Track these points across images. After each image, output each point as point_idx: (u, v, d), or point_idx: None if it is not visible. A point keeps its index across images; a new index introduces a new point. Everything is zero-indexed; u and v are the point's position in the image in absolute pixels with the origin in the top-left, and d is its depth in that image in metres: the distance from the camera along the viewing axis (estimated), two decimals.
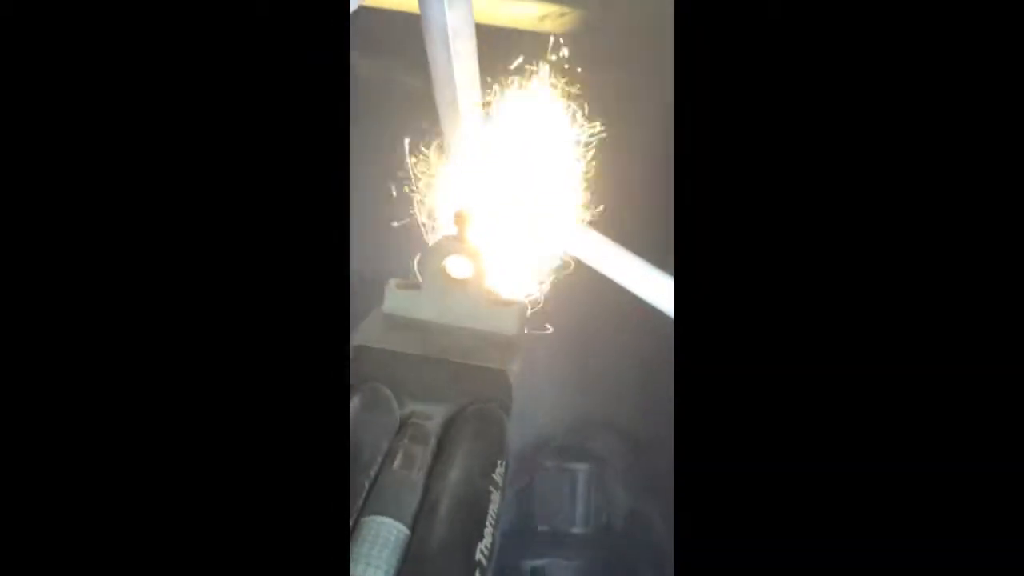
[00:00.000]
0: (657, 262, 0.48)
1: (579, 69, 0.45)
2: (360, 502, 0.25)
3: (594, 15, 0.70)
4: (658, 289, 0.46)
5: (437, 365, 0.31)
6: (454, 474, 0.27)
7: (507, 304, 0.34)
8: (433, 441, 0.29)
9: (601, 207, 0.46)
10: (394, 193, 0.45)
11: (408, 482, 0.27)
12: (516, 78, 0.45)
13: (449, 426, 0.30)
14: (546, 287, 0.44)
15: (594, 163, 0.45)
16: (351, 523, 0.24)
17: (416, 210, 0.45)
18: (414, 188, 0.45)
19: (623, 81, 0.50)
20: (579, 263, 0.47)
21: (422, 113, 0.46)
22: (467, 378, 0.31)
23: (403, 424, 0.30)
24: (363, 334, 0.32)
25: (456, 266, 0.34)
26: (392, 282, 0.35)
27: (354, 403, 0.29)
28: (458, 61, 0.42)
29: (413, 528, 0.25)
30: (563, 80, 0.45)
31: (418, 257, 0.35)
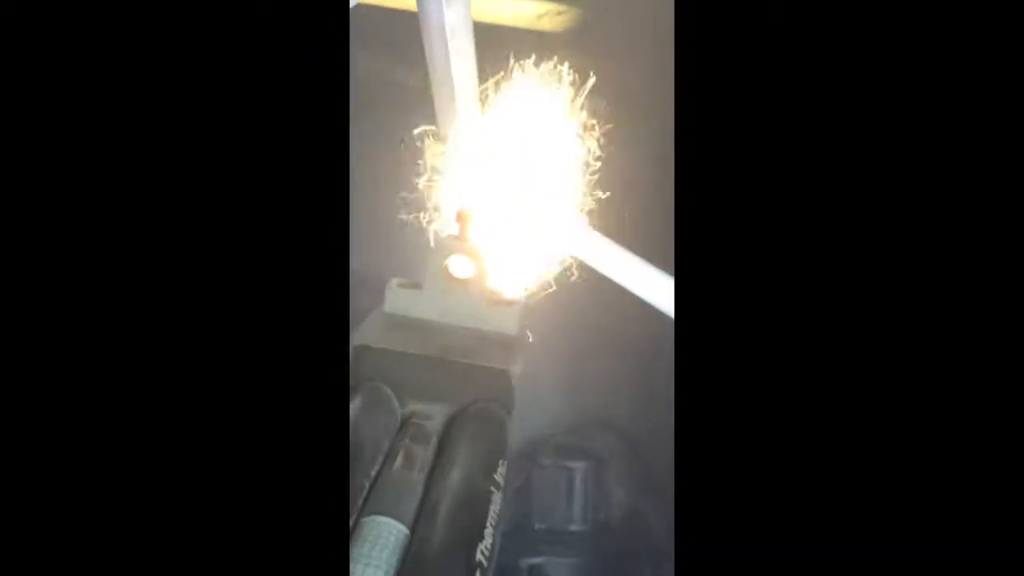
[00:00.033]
0: (658, 261, 0.48)
1: (578, 68, 0.45)
2: (360, 502, 0.25)
3: (592, 13, 0.69)
4: (658, 289, 0.46)
5: (438, 365, 0.31)
6: (455, 474, 0.27)
7: (509, 304, 0.34)
8: (434, 441, 0.29)
9: (602, 199, 0.46)
10: (403, 196, 0.45)
11: (409, 482, 0.27)
12: (516, 76, 0.45)
13: (450, 426, 0.30)
14: (548, 289, 0.44)
15: (596, 162, 0.45)
16: (351, 523, 0.24)
17: (418, 209, 0.45)
18: (416, 187, 0.45)
19: (622, 80, 0.50)
20: (579, 263, 0.47)
21: (423, 111, 0.46)
22: (468, 378, 0.31)
23: (404, 424, 0.30)
24: (364, 334, 0.32)
25: (458, 266, 0.34)
26: (393, 282, 0.35)
27: (355, 403, 0.29)
28: (456, 59, 0.42)
29: (413, 528, 0.25)
30: (563, 79, 0.45)
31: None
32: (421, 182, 0.45)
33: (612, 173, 0.46)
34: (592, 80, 0.45)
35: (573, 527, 0.77)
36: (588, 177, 0.46)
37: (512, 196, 0.44)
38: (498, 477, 0.27)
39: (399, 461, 0.27)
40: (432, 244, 0.35)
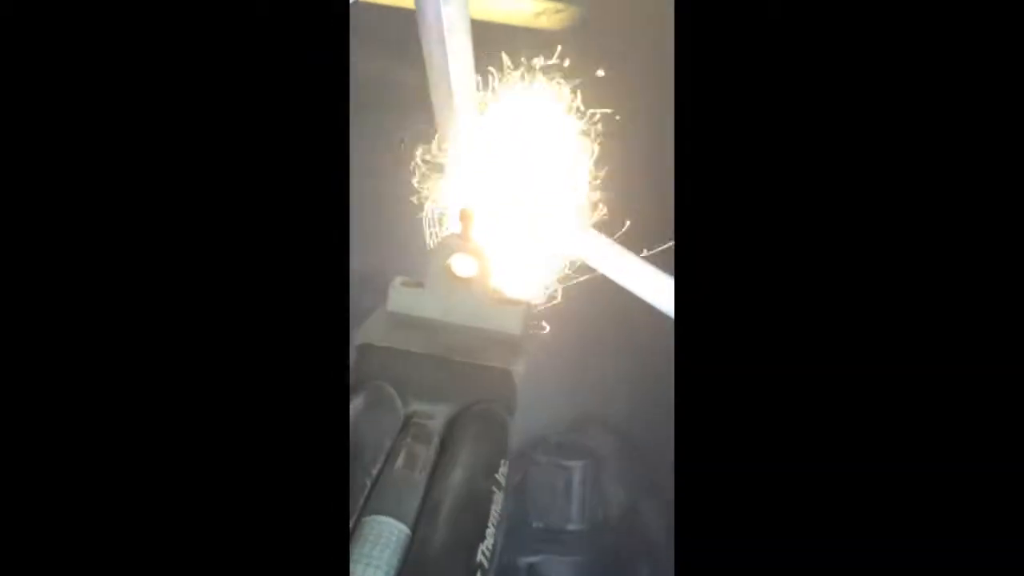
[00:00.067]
0: (658, 261, 0.47)
1: (578, 66, 0.45)
2: (362, 501, 0.25)
3: (591, 11, 0.69)
4: (658, 289, 0.46)
5: (441, 364, 0.31)
6: (456, 474, 0.27)
7: (512, 303, 0.34)
8: (436, 441, 0.29)
9: (602, 199, 0.46)
10: (414, 200, 0.45)
11: (410, 482, 0.26)
12: (516, 74, 0.45)
13: (452, 426, 0.30)
14: (552, 290, 0.44)
15: (599, 161, 0.45)
16: (352, 522, 0.24)
17: (423, 208, 0.44)
18: (420, 186, 0.45)
19: (622, 78, 0.50)
20: (579, 263, 0.47)
21: (424, 110, 0.46)
22: (471, 377, 0.31)
23: (406, 423, 0.30)
24: (368, 332, 0.32)
25: (461, 265, 0.34)
26: (397, 280, 0.34)
27: (357, 402, 0.29)
28: (454, 57, 0.42)
29: (414, 528, 0.25)
30: (562, 77, 0.45)
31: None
32: (419, 182, 0.45)
33: (611, 172, 0.46)
34: (591, 79, 0.45)
35: (571, 526, 0.77)
36: (588, 176, 0.46)
37: (512, 195, 0.43)
38: (500, 477, 0.27)
39: (401, 461, 0.27)
40: (434, 243, 0.35)
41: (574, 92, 0.45)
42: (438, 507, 0.25)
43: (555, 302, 0.46)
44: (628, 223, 0.48)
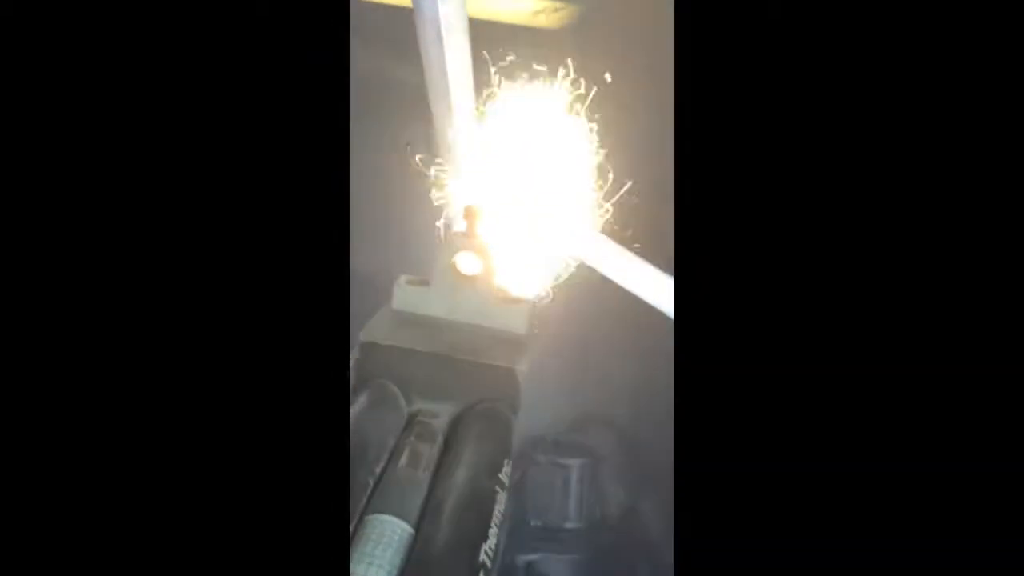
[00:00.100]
0: (658, 261, 0.47)
1: (576, 65, 0.45)
2: (365, 500, 0.25)
3: (590, 10, 0.69)
4: (659, 290, 0.46)
5: (445, 363, 0.31)
6: (460, 474, 0.26)
7: (516, 302, 0.34)
8: (440, 439, 0.29)
9: (601, 199, 0.46)
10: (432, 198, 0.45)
11: (414, 481, 0.26)
12: (516, 74, 0.44)
13: (456, 424, 0.30)
14: (554, 289, 0.44)
15: (602, 161, 0.45)
16: (355, 521, 0.24)
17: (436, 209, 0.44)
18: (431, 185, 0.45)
19: (621, 77, 0.49)
20: (581, 263, 0.47)
21: (425, 109, 0.46)
22: (475, 376, 0.31)
23: (410, 422, 0.30)
24: (372, 330, 0.32)
25: (466, 263, 0.34)
26: (402, 278, 0.34)
27: (361, 400, 0.29)
28: (451, 56, 0.42)
29: (417, 527, 0.25)
30: (564, 77, 0.45)
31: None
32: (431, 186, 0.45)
33: (610, 171, 0.46)
34: (591, 79, 0.45)
35: (569, 524, 0.77)
36: (589, 176, 0.46)
37: (512, 195, 0.43)
38: (503, 477, 0.27)
39: (404, 459, 0.27)
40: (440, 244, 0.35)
41: (575, 89, 0.45)
42: (441, 506, 0.25)
43: (547, 301, 0.46)
44: (626, 222, 0.48)
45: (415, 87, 0.45)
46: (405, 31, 0.44)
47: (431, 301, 0.34)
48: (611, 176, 0.46)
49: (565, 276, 0.45)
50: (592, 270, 0.47)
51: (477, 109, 0.44)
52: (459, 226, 0.35)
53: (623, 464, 0.81)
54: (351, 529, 0.24)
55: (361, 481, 0.25)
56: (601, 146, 0.45)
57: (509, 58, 0.45)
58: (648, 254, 0.47)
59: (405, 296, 0.34)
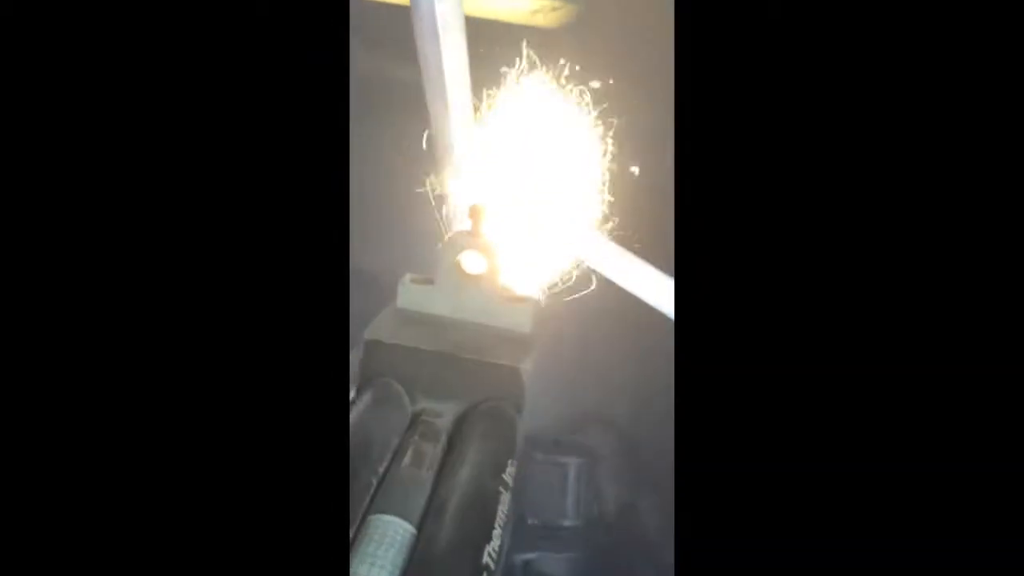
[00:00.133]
0: (658, 261, 0.47)
1: (574, 65, 0.45)
2: (368, 500, 0.25)
3: (588, 8, 0.68)
4: (660, 292, 0.46)
5: (450, 361, 0.31)
6: (464, 473, 0.26)
7: (521, 301, 0.34)
8: (444, 439, 0.29)
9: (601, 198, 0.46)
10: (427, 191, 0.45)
11: (417, 480, 0.26)
12: (517, 74, 0.44)
13: (460, 424, 0.29)
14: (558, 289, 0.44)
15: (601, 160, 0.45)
16: (358, 521, 0.24)
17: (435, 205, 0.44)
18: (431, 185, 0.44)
19: (619, 77, 0.49)
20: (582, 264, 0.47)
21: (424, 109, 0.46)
22: (480, 375, 0.30)
23: (414, 421, 0.29)
24: (376, 329, 0.32)
25: (470, 261, 0.34)
26: (406, 277, 0.34)
27: (365, 398, 0.29)
28: (448, 54, 0.42)
29: (420, 528, 0.24)
30: (562, 77, 0.44)
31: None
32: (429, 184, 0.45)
33: (609, 171, 0.46)
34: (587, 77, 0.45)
35: (566, 522, 0.77)
36: (588, 177, 0.45)
37: (512, 194, 0.43)
38: (507, 477, 0.27)
39: (408, 459, 0.27)
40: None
41: (573, 88, 0.45)
42: (444, 506, 0.25)
43: (556, 293, 0.46)
44: (626, 222, 0.48)
45: (418, 86, 0.45)
46: (406, 28, 0.44)
47: (435, 300, 0.34)
48: (610, 176, 0.46)
49: (572, 276, 0.45)
50: (593, 271, 0.47)
51: (476, 109, 0.44)
52: (464, 225, 0.35)
53: (621, 463, 0.81)
54: (354, 529, 0.24)
55: (364, 480, 0.25)
56: (600, 145, 0.45)
57: (508, 58, 0.45)
58: (648, 255, 0.47)
59: (409, 295, 0.34)
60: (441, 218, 0.45)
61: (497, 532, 0.24)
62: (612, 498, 0.80)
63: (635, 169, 0.47)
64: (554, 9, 0.65)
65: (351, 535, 0.24)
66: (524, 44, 0.45)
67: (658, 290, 0.45)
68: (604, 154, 0.45)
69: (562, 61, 0.45)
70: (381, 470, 0.26)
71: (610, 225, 0.47)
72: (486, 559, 0.23)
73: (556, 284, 0.45)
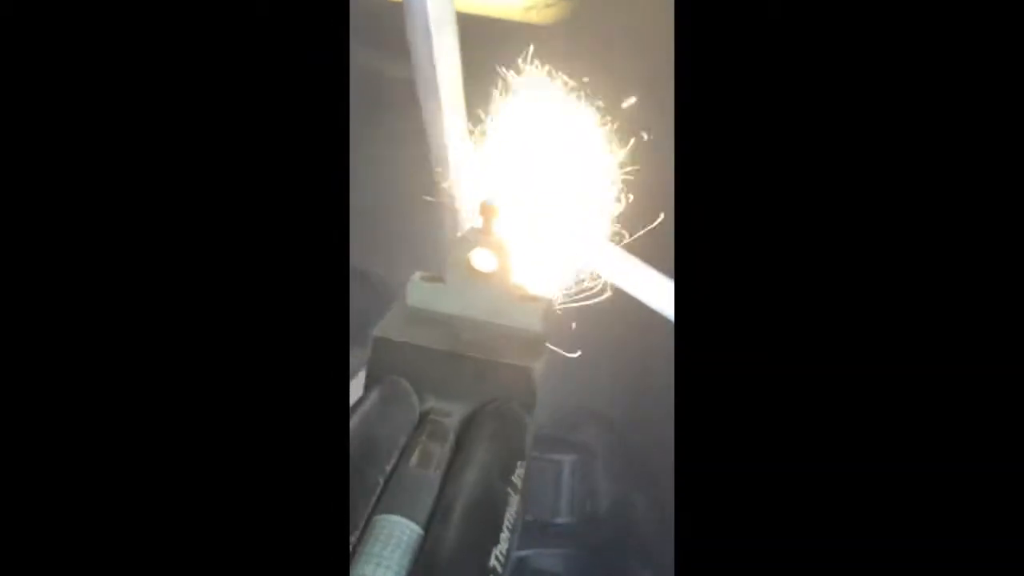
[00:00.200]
0: (657, 262, 0.47)
1: (570, 64, 0.44)
2: (374, 499, 0.25)
3: (583, 6, 0.68)
4: (661, 294, 0.46)
5: (459, 360, 0.30)
6: (472, 474, 0.26)
7: (533, 300, 0.33)
8: (452, 439, 0.28)
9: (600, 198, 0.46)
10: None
11: (424, 481, 0.26)
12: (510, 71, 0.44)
13: (469, 424, 0.29)
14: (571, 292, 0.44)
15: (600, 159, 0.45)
16: (364, 521, 0.24)
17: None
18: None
19: (617, 77, 0.49)
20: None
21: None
22: (490, 375, 0.30)
23: (422, 420, 0.29)
24: (385, 326, 0.31)
25: (481, 259, 0.33)
26: (416, 275, 0.34)
27: (372, 396, 0.29)
28: (440, 52, 0.41)
29: (427, 529, 0.24)
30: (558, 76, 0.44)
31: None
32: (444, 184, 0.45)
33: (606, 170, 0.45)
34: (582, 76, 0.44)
35: (560, 519, 0.77)
36: (612, 177, 0.45)
37: (515, 192, 0.43)
38: (516, 479, 0.26)
39: (415, 459, 0.27)
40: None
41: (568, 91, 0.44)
42: (451, 507, 0.25)
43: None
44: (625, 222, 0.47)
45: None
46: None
47: (445, 298, 0.33)
48: (607, 177, 0.46)
49: (586, 278, 0.45)
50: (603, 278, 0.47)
51: (478, 108, 0.44)
52: (475, 222, 0.35)
53: (617, 461, 0.81)
54: (360, 529, 0.24)
55: (371, 480, 0.25)
56: (597, 144, 0.45)
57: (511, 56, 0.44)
58: (648, 256, 0.46)
59: (419, 292, 0.33)
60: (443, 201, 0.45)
61: (505, 535, 0.24)
62: (607, 496, 0.80)
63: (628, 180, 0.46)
64: (548, 6, 0.64)
65: (357, 535, 0.23)
66: (531, 47, 0.45)
67: (660, 294, 0.45)
68: (618, 156, 0.45)
69: (561, 60, 0.45)
70: (388, 469, 0.26)
71: (617, 227, 0.46)
72: (493, 562, 0.23)
73: (571, 288, 0.45)
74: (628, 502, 0.80)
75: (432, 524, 0.24)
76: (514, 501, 0.25)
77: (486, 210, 0.34)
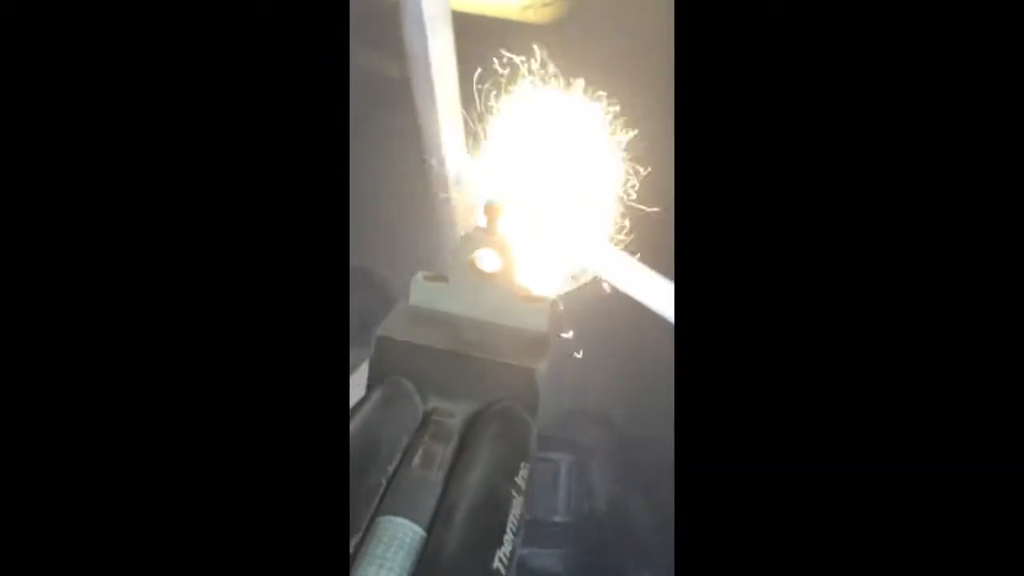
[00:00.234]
0: (657, 262, 0.47)
1: (568, 64, 0.44)
2: (376, 501, 0.24)
3: (580, 5, 0.67)
4: (661, 296, 0.46)
5: (462, 361, 0.30)
6: (475, 476, 0.26)
7: (537, 300, 0.33)
8: (455, 439, 0.28)
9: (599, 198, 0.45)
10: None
11: (427, 482, 0.26)
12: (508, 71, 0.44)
13: (472, 424, 0.29)
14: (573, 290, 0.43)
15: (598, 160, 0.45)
16: (366, 522, 0.24)
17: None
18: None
19: (615, 77, 0.49)
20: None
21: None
22: (493, 375, 0.30)
23: (425, 420, 0.29)
24: (388, 326, 0.31)
25: (485, 259, 0.33)
26: (419, 274, 0.34)
27: (375, 397, 0.28)
28: (435, 50, 0.41)
29: (430, 530, 0.24)
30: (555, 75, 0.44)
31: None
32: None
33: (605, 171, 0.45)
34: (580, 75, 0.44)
35: (557, 518, 0.77)
36: (619, 181, 0.45)
37: (515, 192, 0.43)
38: (520, 481, 0.26)
39: (418, 460, 0.27)
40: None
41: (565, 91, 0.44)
42: (454, 509, 0.24)
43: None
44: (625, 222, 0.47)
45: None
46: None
47: (449, 298, 0.33)
48: (607, 176, 0.46)
49: (585, 278, 0.45)
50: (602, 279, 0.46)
51: (478, 109, 0.44)
52: (479, 222, 0.34)
53: (615, 461, 0.81)
54: (363, 530, 0.23)
55: (373, 481, 0.25)
56: (597, 144, 0.45)
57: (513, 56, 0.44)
58: (649, 258, 0.46)
59: (422, 292, 0.33)
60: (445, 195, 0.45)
61: (509, 537, 0.24)
62: (604, 495, 0.80)
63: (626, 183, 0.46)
64: (545, 5, 0.64)
65: (360, 536, 0.23)
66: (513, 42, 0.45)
67: (659, 295, 0.45)
68: (596, 153, 0.45)
69: (561, 59, 0.45)
70: (391, 470, 0.26)
71: (623, 228, 0.46)
72: (496, 564, 0.22)
73: (572, 284, 0.45)
74: (626, 502, 0.80)
75: (435, 526, 0.24)
76: (518, 503, 0.25)
77: (490, 210, 0.34)
